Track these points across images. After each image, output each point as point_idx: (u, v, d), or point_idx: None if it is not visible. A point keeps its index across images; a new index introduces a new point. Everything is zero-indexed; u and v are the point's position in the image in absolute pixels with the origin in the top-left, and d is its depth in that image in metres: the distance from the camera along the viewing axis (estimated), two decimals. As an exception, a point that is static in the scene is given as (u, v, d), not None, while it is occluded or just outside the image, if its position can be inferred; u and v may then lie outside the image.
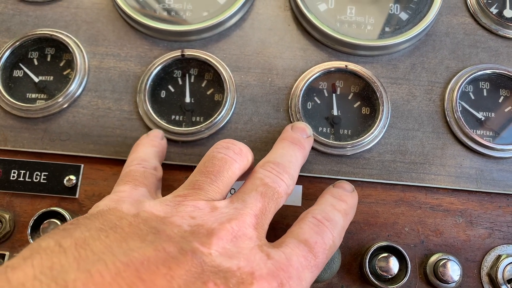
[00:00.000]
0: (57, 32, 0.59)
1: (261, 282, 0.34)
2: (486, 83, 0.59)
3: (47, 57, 0.60)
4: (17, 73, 0.60)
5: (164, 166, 0.55)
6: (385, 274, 0.49)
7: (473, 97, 0.59)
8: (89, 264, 0.29)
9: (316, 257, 0.39)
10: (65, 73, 0.59)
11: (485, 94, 0.59)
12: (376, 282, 0.49)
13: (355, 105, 0.58)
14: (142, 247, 0.31)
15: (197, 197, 0.39)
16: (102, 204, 0.40)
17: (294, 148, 0.48)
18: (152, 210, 0.37)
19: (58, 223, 0.51)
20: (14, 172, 0.55)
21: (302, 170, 0.55)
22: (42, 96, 0.58)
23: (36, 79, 0.59)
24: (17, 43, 0.59)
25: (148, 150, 0.49)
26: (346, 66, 0.58)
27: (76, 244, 0.31)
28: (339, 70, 0.58)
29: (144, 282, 0.29)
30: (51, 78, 0.59)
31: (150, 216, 0.37)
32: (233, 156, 0.43)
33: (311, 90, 0.58)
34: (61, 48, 0.60)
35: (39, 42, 0.60)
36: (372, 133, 0.55)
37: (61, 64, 0.60)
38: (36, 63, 0.60)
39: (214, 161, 0.42)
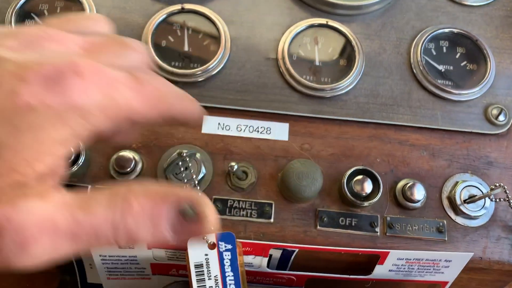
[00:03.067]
0: (67, -15, 0.65)
1: (46, 67, 0.30)
2: (445, 42, 0.69)
3: (57, 9, 0.66)
4: (28, 23, 0.65)
5: (166, 104, 0.62)
6: (361, 193, 0.57)
7: (434, 53, 0.68)
8: None
9: (142, 85, 0.35)
10: (74, 23, 0.65)
11: (444, 51, 0.69)
12: (353, 199, 0.57)
13: (334, 58, 0.66)
14: None
15: None
16: None
17: None
18: None
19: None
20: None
21: (288, 110, 0.63)
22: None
23: (47, 27, 0.64)
24: (30, -6, 0.64)
25: None
26: (327, 22, 0.66)
27: None
28: (321, 25, 0.66)
29: None
30: (61, 27, 0.65)
31: None
32: None
33: (296, 42, 0.66)
34: (71, 1, 0.66)
35: (50, -5, 0.66)
36: (349, 78, 0.63)
37: (70, 16, 0.66)
38: (46, 14, 0.66)
39: None
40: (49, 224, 0.28)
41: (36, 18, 0.65)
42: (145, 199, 0.30)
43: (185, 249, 0.49)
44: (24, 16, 0.65)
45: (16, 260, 0.28)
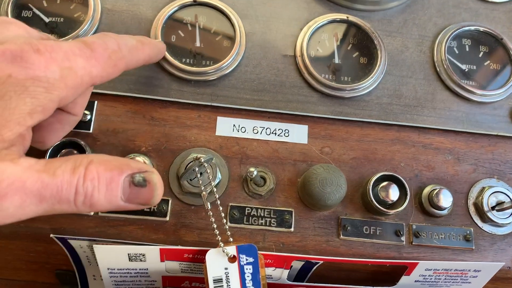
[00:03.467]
0: (69, -26, 0.60)
1: (9, 46, 0.34)
2: (468, 40, 0.66)
3: (57, 0, 0.61)
4: (25, 14, 0.60)
5: (178, 104, 0.58)
6: (387, 200, 0.54)
7: (457, 52, 0.65)
8: None
9: (94, 51, 0.39)
10: (76, 15, 0.60)
11: (467, 49, 0.65)
12: (379, 207, 0.54)
13: (354, 55, 0.63)
14: None
15: None
16: None
17: None
18: None
19: (75, 152, 0.52)
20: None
21: (308, 111, 0.59)
22: (54, 36, 0.59)
23: (46, 19, 0.59)
24: (29, -18, 0.59)
25: None
26: (347, 17, 0.63)
27: None
28: (341, 21, 0.63)
29: None
30: (61, 20, 0.60)
31: None
32: None
33: (315, 39, 0.62)
34: (72, -9, 0.61)
35: (49, -16, 0.61)
36: (372, 77, 0.60)
37: (72, 7, 0.61)
38: (45, 4, 0.61)
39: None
40: (19, 184, 0.32)
41: (34, 9, 0.60)
42: (103, 169, 0.35)
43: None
44: (21, 7, 0.60)
45: None
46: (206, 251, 0.49)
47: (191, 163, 0.52)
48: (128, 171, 0.36)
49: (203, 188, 0.51)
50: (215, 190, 0.51)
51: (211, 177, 0.51)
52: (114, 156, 0.37)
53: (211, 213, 0.49)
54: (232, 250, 0.49)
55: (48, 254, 0.58)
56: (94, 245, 0.49)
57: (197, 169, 0.51)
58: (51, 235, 0.50)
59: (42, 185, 0.32)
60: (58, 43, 0.37)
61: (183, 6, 0.61)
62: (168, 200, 0.54)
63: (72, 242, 0.52)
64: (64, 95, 0.36)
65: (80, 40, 0.39)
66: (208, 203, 0.50)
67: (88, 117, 0.56)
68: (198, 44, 0.61)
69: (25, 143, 0.36)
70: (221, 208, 0.50)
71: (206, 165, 0.50)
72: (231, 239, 0.50)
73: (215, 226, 0.48)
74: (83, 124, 0.56)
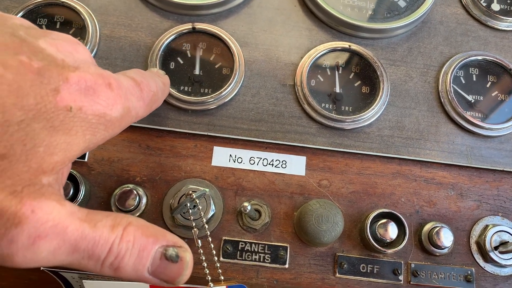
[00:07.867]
0: (68, -1, 0.60)
1: (84, 74, 0.32)
2: (475, 69, 0.64)
3: (56, 24, 0.61)
4: (25, 39, 0.60)
5: (174, 133, 0.57)
6: (385, 238, 0.52)
7: (463, 81, 0.63)
8: None
9: (142, 91, 0.40)
10: (74, 40, 0.60)
11: (474, 79, 0.63)
12: (376, 245, 0.52)
13: (356, 84, 0.61)
14: None
15: None
16: None
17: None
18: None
19: (69, 182, 0.52)
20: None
21: (306, 142, 0.58)
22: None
23: (45, 45, 0.59)
24: (28, 8, 0.59)
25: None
26: (349, 46, 0.61)
27: None
28: (343, 49, 0.61)
29: None
30: (60, 45, 0.60)
31: None
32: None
33: (316, 67, 0.61)
34: (71, 16, 0.60)
35: (49, 9, 0.60)
36: (373, 109, 0.58)
37: (71, 32, 0.60)
38: (44, 29, 0.60)
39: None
40: (61, 228, 0.30)
41: (33, 34, 0.60)
42: (140, 233, 0.33)
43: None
44: (20, 32, 0.60)
45: (20, 254, 0.29)
46: (196, 289, 0.48)
47: (183, 197, 0.51)
48: (163, 242, 0.34)
49: (194, 224, 0.50)
50: (206, 226, 0.50)
51: (202, 213, 0.50)
52: (151, 223, 0.36)
53: (201, 251, 0.48)
54: (222, 290, 0.48)
55: (42, 282, 0.57)
56: (84, 281, 0.48)
57: (188, 204, 0.50)
58: (42, 268, 0.50)
59: (81, 235, 0.31)
60: (120, 78, 0.36)
61: (182, 33, 0.60)
62: (161, 233, 0.53)
63: (64, 274, 0.52)
64: (114, 134, 0.36)
65: (129, 76, 0.39)
66: (199, 241, 0.49)
67: (83, 145, 0.55)
68: (197, 71, 0.60)
69: (63, 180, 0.35)
70: (212, 245, 0.49)
71: (198, 201, 0.49)
72: (222, 277, 0.49)
73: (205, 265, 0.47)
74: (78, 153, 0.55)
